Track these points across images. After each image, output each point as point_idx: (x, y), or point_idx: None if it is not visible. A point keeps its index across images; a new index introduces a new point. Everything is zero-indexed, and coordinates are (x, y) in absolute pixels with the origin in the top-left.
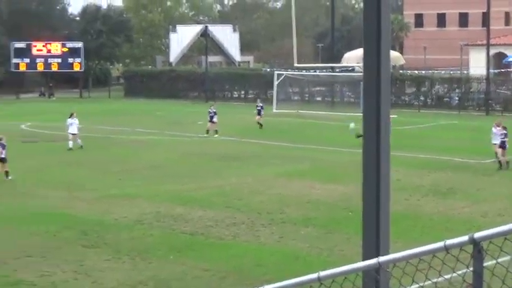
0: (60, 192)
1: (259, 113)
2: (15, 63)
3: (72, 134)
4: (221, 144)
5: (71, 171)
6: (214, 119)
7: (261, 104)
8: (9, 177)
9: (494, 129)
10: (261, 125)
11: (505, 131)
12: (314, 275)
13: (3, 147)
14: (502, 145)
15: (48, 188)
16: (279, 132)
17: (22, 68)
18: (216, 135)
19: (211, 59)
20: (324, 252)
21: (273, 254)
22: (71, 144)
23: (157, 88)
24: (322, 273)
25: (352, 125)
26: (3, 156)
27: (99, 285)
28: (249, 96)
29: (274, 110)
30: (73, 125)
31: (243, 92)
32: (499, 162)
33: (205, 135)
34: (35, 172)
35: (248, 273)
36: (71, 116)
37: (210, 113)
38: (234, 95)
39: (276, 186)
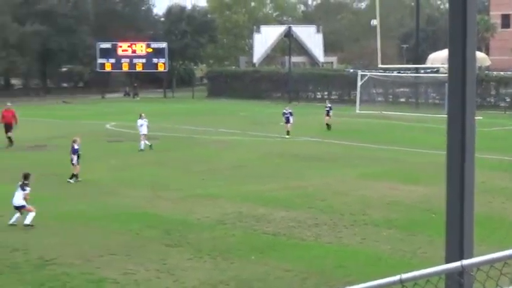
0: (144, 191)
1: (327, 114)
2: (100, 63)
3: (144, 135)
4: (303, 145)
5: (155, 170)
6: (290, 120)
7: (330, 105)
8: (71, 181)
9: None
10: (329, 126)
11: None
12: (396, 277)
13: (75, 152)
14: None
15: (132, 188)
16: (362, 133)
17: (107, 68)
18: (288, 136)
19: (295, 59)
20: (407, 255)
21: (355, 255)
22: (142, 145)
23: (241, 88)
24: (404, 276)
25: None
26: (74, 162)
27: (181, 284)
28: (332, 97)
29: (358, 111)
30: (143, 126)
31: (326, 93)
32: None
33: (287, 136)
34: (119, 171)
35: (330, 274)
36: (140, 116)
37: (285, 113)
38: (317, 96)
39: (359, 188)
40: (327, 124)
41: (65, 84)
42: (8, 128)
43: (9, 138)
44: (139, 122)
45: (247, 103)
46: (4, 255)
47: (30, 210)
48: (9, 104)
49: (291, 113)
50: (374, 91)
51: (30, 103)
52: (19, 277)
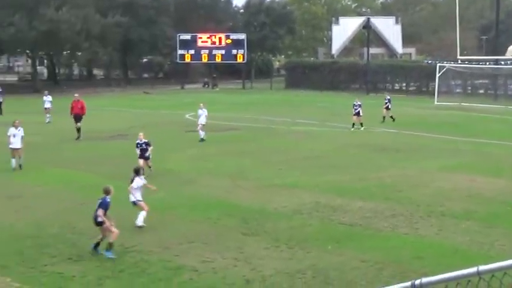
0: (222, 181)
1: (387, 107)
2: (180, 54)
3: (202, 125)
4: (381, 136)
5: (234, 160)
6: (361, 112)
7: (389, 97)
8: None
9: None
10: (392, 118)
11: None
12: (473, 269)
13: (137, 146)
14: None
15: (211, 177)
16: (441, 125)
17: (187, 59)
18: (362, 128)
19: (373, 51)
20: (484, 247)
21: (432, 246)
22: (202, 134)
23: (319, 80)
24: (482, 268)
25: None
26: (146, 154)
27: (258, 272)
28: (410, 88)
29: (436, 103)
30: (202, 116)
31: (404, 84)
32: None
33: (361, 127)
34: (198, 161)
35: (406, 265)
36: (200, 106)
37: (355, 106)
38: (395, 87)
39: (437, 179)
40: (388, 117)
41: (145, 75)
42: (78, 118)
43: (78, 129)
44: (199, 112)
45: (325, 94)
46: (85, 241)
47: (142, 208)
48: (76, 95)
49: (360, 105)
50: (452, 83)
51: (112, 93)
52: (99, 263)
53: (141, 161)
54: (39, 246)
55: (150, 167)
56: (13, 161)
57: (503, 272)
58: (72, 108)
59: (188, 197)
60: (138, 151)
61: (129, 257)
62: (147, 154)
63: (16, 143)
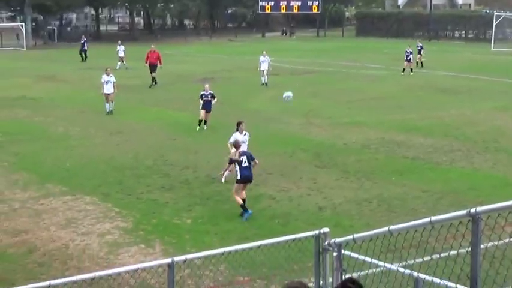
0: (299, 119)
1: (419, 52)
2: (261, 5)
3: (262, 71)
4: (442, 79)
5: (309, 101)
6: (411, 59)
7: (421, 44)
8: (205, 127)
9: None
10: (421, 63)
11: None
12: None
13: (201, 97)
14: None
15: (288, 115)
16: (497, 69)
17: (267, 10)
18: (412, 73)
19: (436, 1)
20: None
21: (486, 179)
22: (263, 79)
23: (386, 28)
24: None
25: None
26: (211, 105)
27: (329, 200)
28: (469, 36)
29: (492, 49)
30: (264, 62)
31: (463, 32)
32: None
33: (412, 73)
34: (277, 101)
35: (463, 195)
36: (262, 53)
37: (407, 52)
38: (455, 35)
39: (493, 119)
40: (420, 62)
41: (230, 25)
42: (153, 68)
43: (154, 78)
44: (261, 58)
45: (391, 41)
46: (176, 172)
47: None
48: (153, 46)
49: (411, 52)
50: (508, 30)
51: (201, 41)
52: (189, 191)
53: (202, 112)
54: (136, 177)
55: (205, 122)
56: (107, 105)
57: None
58: (147, 57)
59: (268, 133)
60: (201, 102)
61: (215, 186)
62: (211, 105)
63: (109, 88)
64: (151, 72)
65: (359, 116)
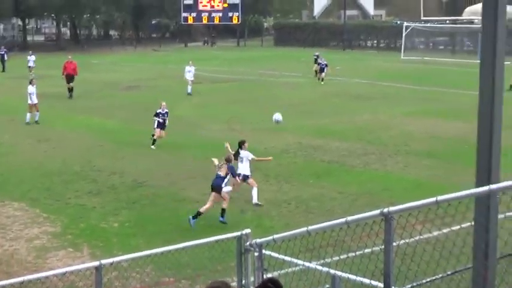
0: (221, 125)
1: (315, 62)
2: (184, 16)
3: (190, 80)
4: (356, 86)
5: (230, 107)
6: (325, 70)
7: (317, 53)
8: (153, 147)
9: None
10: (316, 72)
11: None
12: (433, 199)
13: (156, 115)
14: None
15: (211, 121)
16: (407, 76)
17: (190, 20)
18: (322, 83)
19: (349, 13)
20: (443, 180)
21: (398, 180)
22: (189, 89)
23: (303, 38)
24: (440, 198)
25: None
26: (166, 124)
27: (250, 203)
28: (381, 45)
29: (402, 57)
30: (190, 72)
31: (375, 42)
32: None
33: (322, 82)
34: (201, 108)
35: (376, 196)
36: (188, 63)
37: (321, 64)
38: (368, 44)
39: (403, 123)
40: (315, 71)
41: (154, 35)
42: (70, 79)
43: (71, 89)
44: (187, 68)
45: (307, 50)
46: (103, 178)
47: (253, 185)
48: (70, 57)
49: (326, 65)
50: (417, 40)
51: (126, 51)
52: (116, 196)
53: (157, 131)
54: (64, 182)
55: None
56: (28, 115)
57: (458, 201)
58: (64, 68)
59: (191, 138)
60: (157, 120)
61: (140, 190)
62: (166, 124)
63: (34, 99)
64: (67, 83)
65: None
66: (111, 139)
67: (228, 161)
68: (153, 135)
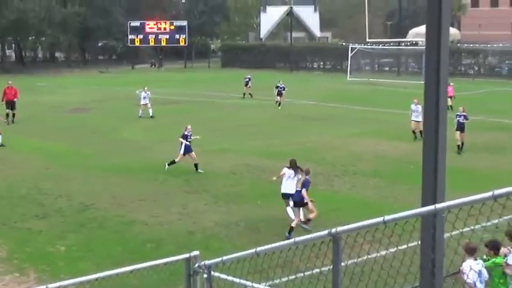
0: (169, 146)
1: (246, 85)
2: (131, 38)
3: (143, 105)
4: (303, 107)
5: (178, 129)
6: (283, 93)
7: (283, 85)
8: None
9: (413, 106)
10: (251, 95)
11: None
12: (380, 219)
13: (184, 137)
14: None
15: (160, 144)
16: (353, 98)
17: (137, 43)
18: (279, 108)
19: (296, 35)
20: (390, 200)
21: (346, 200)
22: (140, 112)
23: (250, 60)
24: (387, 217)
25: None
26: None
27: (199, 224)
28: (327, 66)
29: (348, 79)
30: (146, 98)
31: (321, 63)
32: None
33: (279, 107)
34: (149, 131)
35: (324, 216)
36: (143, 89)
37: (279, 87)
38: (314, 66)
39: (349, 144)
40: (247, 93)
41: (100, 57)
42: (11, 104)
43: (8, 115)
44: (143, 94)
45: (254, 72)
46: (50, 201)
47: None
48: (10, 82)
49: (283, 88)
50: (362, 61)
51: (72, 73)
52: (63, 219)
53: (181, 155)
54: (10, 206)
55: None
56: None
57: (405, 221)
58: (4, 93)
59: (140, 161)
60: (184, 143)
61: (88, 213)
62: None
63: None
64: (10, 109)
65: (226, 143)
66: (57, 162)
67: (307, 173)
68: (174, 161)
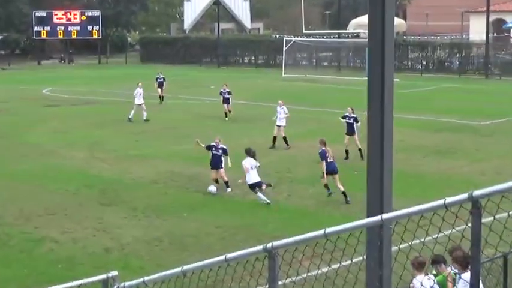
0: (82, 152)
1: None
2: (36, 31)
3: (139, 105)
4: (233, 107)
5: (92, 133)
6: (230, 101)
7: (163, 76)
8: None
9: (278, 108)
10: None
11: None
12: (320, 232)
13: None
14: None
15: (70, 149)
16: (287, 96)
17: (43, 35)
18: (227, 119)
19: (224, 26)
20: (330, 210)
21: (282, 211)
22: (132, 114)
23: (172, 54)
24: (328, 230)
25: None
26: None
27: (117, 241)
28: (259, 61)
29: (283, 75)
30: (141, 96)
31: (253, 58)
32: None
33: (226, 119)
34: (57, 133)
35: (258, 229)
36: (137, 84)
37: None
38: (245, 61)
39: (284, 147)
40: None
41: (1, 52)
42: None
43: None
44: (138, 90)
45: (178, 68)
46: None
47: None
48: None
49: (229, 92)
50: (299, 56)
51: None
52: None
53: (213, 172)
54: None
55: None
56: None
57: (349, 233)
58: None
59: (48, 168)
60: (213, 153)
61: None
62: (222, 163)
63: None
64: None
65: (147, 147)
66: None
67: (324, 144)
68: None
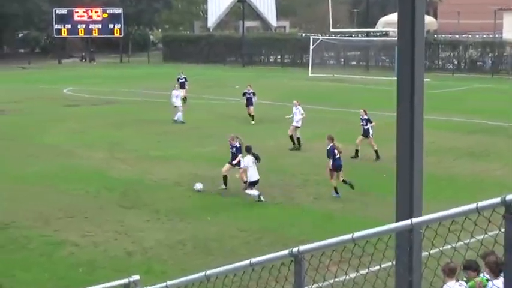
0: (101, 153)
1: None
2: (57, 29)
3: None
4: (258, 107)
5: (113, 133)
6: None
7: (184, 76)
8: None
9: (294, 108)
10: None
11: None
12: (348, 236)
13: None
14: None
15: (90, 149)
16: (315, 96)
17: (64, 33)
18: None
19: (248, 24)
20: (358, 213)
21: (308, 214)
22: (179, 116)
23: (196, 53)
24: (356, 234)
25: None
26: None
27: (139, 245)
28: (285, 60)
29: (310, 74)
30: (178, 97)
31: (279, 57)
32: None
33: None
34: (77, 134)
35: (284, 233)
36: (174, 87)
37: (247, 93)
38: (271, 60)
39: (311, 149)
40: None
41: (21, 50)
42: None
43: None
44: (174, 92)
45: (201, 67)
46: None
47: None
48: None
49: (254, 93)
50: (326, 55)
51: None
52: None
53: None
54: None
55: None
56: None
57: (377, 238)
58: None
59: (67, 169)
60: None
61: (8, 233)
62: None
63: None
64: None
65: (169, 148)
66: None
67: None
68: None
